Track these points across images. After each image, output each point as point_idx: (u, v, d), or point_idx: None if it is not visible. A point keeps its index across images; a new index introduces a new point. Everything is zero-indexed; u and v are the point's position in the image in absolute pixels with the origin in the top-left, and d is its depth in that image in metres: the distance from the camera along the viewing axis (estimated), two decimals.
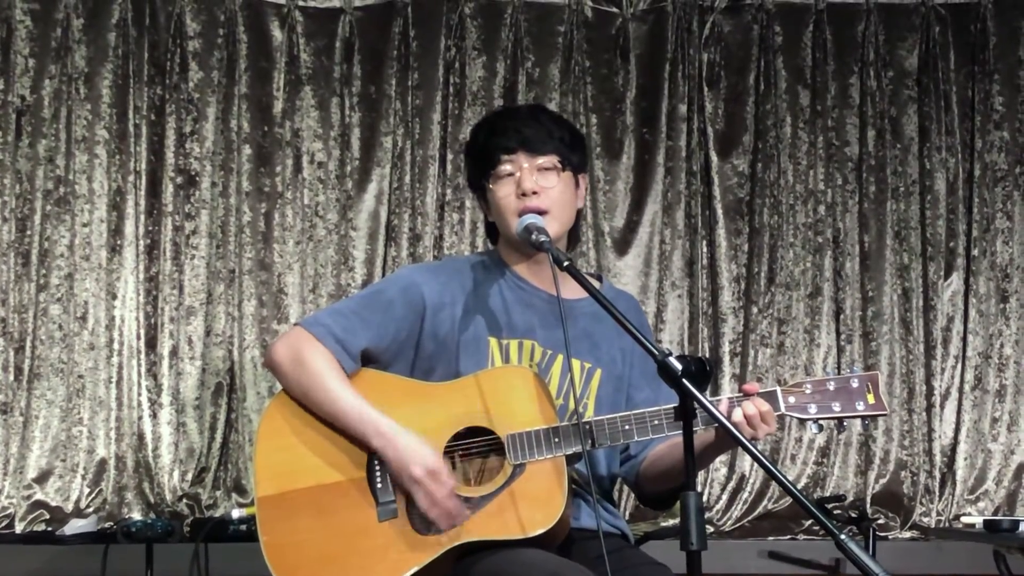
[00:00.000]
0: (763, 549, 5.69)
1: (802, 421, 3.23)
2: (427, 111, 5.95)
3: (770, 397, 3.20)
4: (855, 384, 3.24)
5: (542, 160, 3.38)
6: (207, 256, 5.81)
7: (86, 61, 5.81)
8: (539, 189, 3.35)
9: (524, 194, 3.35)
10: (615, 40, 6.08)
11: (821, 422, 3.24)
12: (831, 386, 3.23)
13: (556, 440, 3.16)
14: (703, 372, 2.89)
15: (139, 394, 5.71)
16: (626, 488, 5.51)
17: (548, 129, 3.41)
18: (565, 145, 3.42)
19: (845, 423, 3.26)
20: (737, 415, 3.13)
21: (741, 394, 3.19)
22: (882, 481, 5.95)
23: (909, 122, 6.11)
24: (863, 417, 3.25)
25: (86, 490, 5.65)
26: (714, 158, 6.06)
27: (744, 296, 6.03)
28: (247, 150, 5.84)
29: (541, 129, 3.40)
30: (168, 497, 5.65)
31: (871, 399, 3.23)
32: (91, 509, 5.62)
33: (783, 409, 3.21)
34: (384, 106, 5.94)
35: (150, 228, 5.80)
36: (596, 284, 3.36)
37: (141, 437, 5.69)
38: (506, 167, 3.38)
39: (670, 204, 6.03)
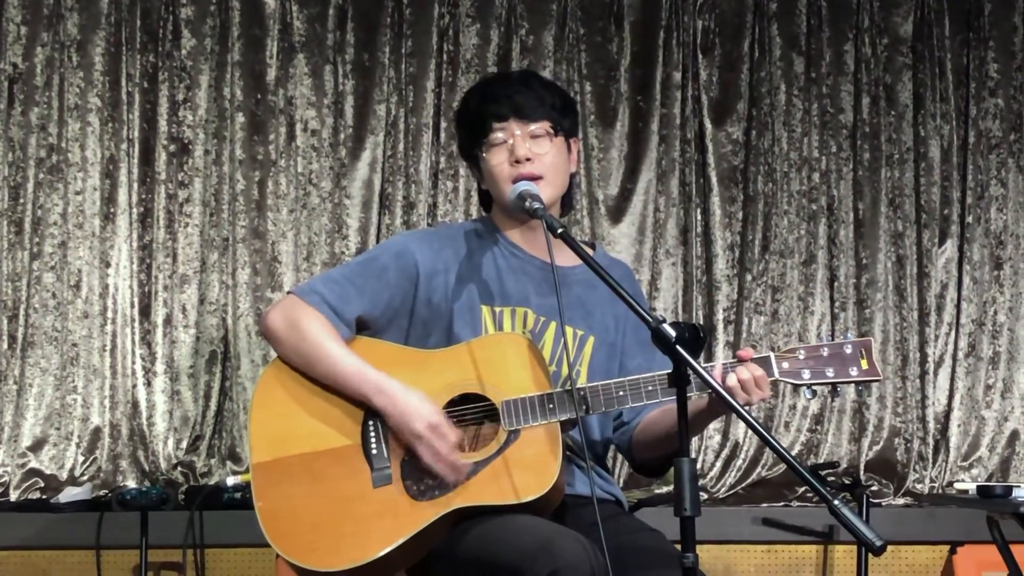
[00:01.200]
0: (757, 516, 5.70)
1: (796, 387, 3.24)
2: (421, 79, 5.94)
3: (764, 363, 3.20)
4: (849, 350, 3.24)
5: (534, 127, 3.37)
6: (201, 224, 5.80)
7: (78, 28, 5.79)
8: (532, 156, 3.34)
9: (518, 161, 3.34)
10: (609, 7, 6.06)
11: (815, 388, 3.24)
12: (825, 352, 3.23)
13: (550, 406, 3.16)
14: (697, 339, 2.89)
15: (133, 362, 5.71)
16: (620, 455, 5.52)
17: (539, 95, 3.40)
18: (556, 111, 3.41)
19: (839, 389, 3.26)
20: (731, 380, 3.13)
21: (735, 359, 3.19)
22: (876, 448, 5.96)
23: (904, 89, 6.10)
24: (857, 383, 3.24)
25: (80, 458, 5.65)
26: (708, 126, 6.05)
27: (738, 264, 6.03)
28: (240, 118, 5.83)
29: (532, 95, 3.39)
30: (163, 465, 5.66)
31: (865, 365, 3.23)
32: (86, 477, 5.63)
33: (777, 375, 3.21)
34: (378, 74, 5.92)
35: (143, 196, 5.80)
36: (589, 251, 3.36)
37: (135, 405, 5.70)
38: (498, 135, 3.38)
39: (664, 172, 6.02)
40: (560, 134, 3.41)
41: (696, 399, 3.20)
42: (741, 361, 3.17)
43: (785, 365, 3.22)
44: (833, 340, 3.27)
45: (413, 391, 3.19)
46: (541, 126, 3.38)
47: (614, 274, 3.01)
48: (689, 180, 6.05)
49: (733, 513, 5.75)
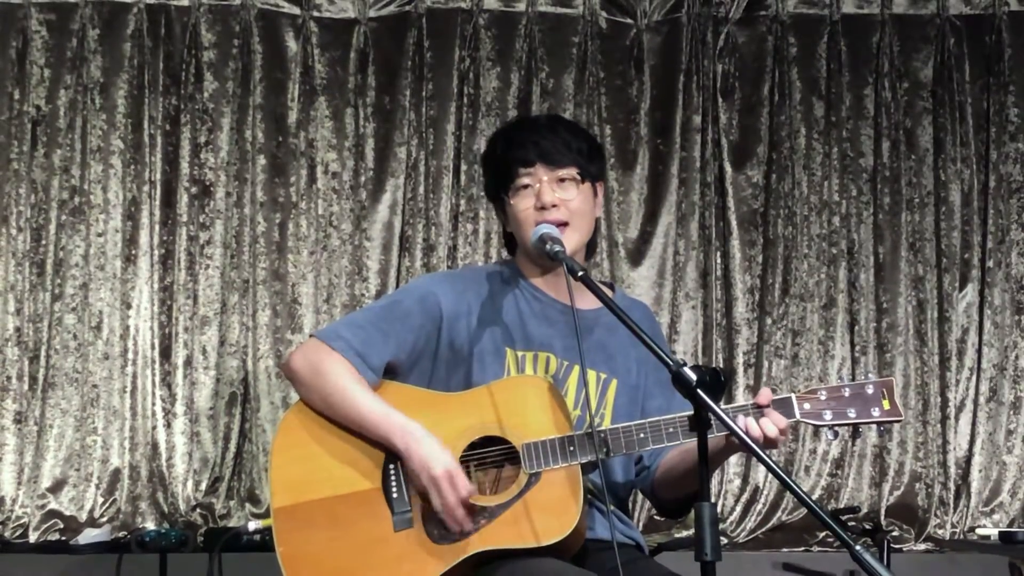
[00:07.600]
0: (777, 560, 5.67)
1: (817, 428, 3.22)
2: (441, 122, 5.96)
3: (785, 404, 3.18)
4: (870, 390, 3.21)
5: (561, 172, 3.37)
6: (221, 266, 5.82)
7: (101, 71, 5.83)
8: (558, 202, 3.34)
9: (543, 207, 3.34)
10: (629, 51, 6.08)
11: (836, 429, 3.21)
12: (846, 392, 3.21)
13: (571, 449, 3.15)
14: (717, 382, 2.89)
15: (153, 404, 5.72)
16: (640, 499, 5.51)
17: (566, 140, 3.40)
18: (583, 156, 3.41)
19: (860, 430, 3.24)
20: (753, 429, 3.10)
21: (754, 405, 3.16)
22: (896, 493, 5.93)
23: (924, 133, 6.10)
24: (878, 423, 3.22)
25: (100, 499, 5.66)
26: (728, 169, 6.05)
27: (758, 307, 6.02)
28: (261, 160, 5.85)
29: (559, 141, 3.39)
30: (182, 507, 5.66)
31: (886, 405, 3.20)
32: (105, 518, 5.63)
33: (798, 416, 3.18)
34: (398, 116, 5.95)
35: (165, 238, 5.82)
36: (609, 293, 3.36)
37: (155, 447, 5.70)
38: (524, 180, 3.37)
39: (684, 215, 6.03)
40: (587, 180, 3.41)
41: (712, 437, 3.17)
42: (759, 407, 3.15)
43: (807, 406, 3.20)
44: (854, 380, 3.25)
45: (435, 438, 3.19)
46: (568, 172, 3.37)
47: (633, 315, 3.00)
48: (709, 223, 6.04)
49: (753, 558, 5.72)
